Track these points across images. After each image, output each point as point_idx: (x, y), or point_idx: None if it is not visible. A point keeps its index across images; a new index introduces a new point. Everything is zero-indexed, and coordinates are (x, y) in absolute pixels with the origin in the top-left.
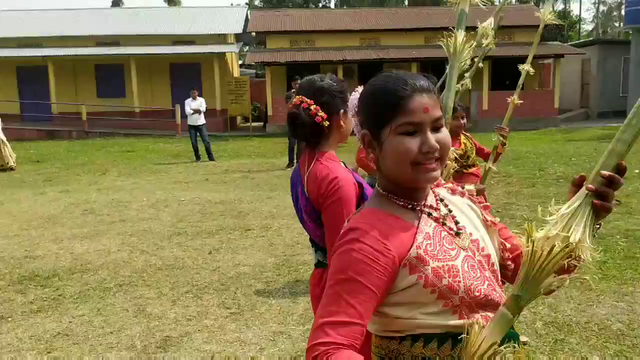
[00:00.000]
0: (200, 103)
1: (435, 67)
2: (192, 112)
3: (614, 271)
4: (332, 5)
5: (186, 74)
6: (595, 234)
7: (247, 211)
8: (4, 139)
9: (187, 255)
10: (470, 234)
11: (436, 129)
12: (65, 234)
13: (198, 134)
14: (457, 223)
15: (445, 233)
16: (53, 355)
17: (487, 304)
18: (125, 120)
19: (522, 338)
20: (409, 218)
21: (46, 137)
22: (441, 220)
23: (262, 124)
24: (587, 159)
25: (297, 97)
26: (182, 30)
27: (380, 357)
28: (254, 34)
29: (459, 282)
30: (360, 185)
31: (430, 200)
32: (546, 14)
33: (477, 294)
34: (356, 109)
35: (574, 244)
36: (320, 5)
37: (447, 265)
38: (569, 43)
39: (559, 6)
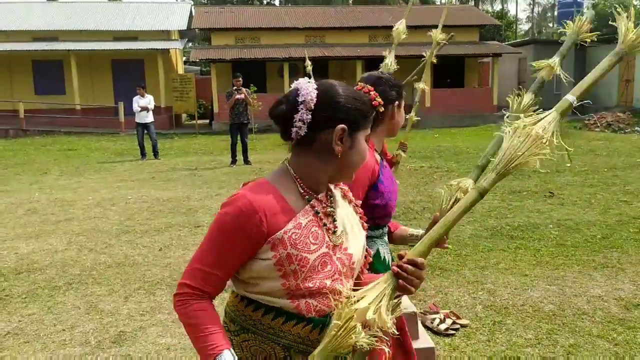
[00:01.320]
0: (148, 100)
1: (378, 65)
2: (139, 109)
3: (547, 258)
4: (277, 3)
5: (129, 71)
6: (393, 308)
7: (196, 208)
8: None
9: (137, 252)
10: (343, 233)
11: None
12: (9, 234)
13: (146, 131)
14: (334, 221)
15: (316, 229)
16: (1, 355)
17: (318, 294)
18: (65, 118)
19: (463, 321)
20: (295, 204)
21: None
22: (321, 216)
23: (208, 121)
24: None
25: (360, 84)
26: (124, 25)
27: (230, 317)
28: (198, 30)
29: (303, 272)
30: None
31: (322, 196)
32: (437, 35)
33: (309, 285)
34: (316, 102)
35: (374, 319)
36: (265, 2)
37: (300, 255)
38: (507, 42)
39: (497, 7)
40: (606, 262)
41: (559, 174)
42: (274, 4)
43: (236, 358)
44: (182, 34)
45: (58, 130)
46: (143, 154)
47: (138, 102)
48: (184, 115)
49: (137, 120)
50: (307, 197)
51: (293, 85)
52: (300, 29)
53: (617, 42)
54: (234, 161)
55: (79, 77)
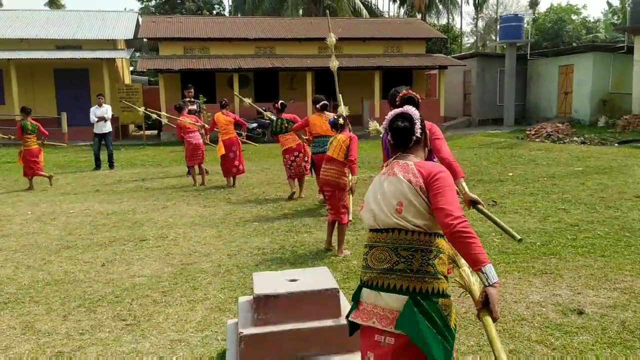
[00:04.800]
0: (105, 110)
1: (328, 76)
2: (96, 119)
3: None
4: (227, 14)
5: (72, 80)
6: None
7: (142, 221)
8: None
9: (78, 268)
10: None
11: None
12: None
13: (102, 141)
14: None
15: None
16: None
17: None
18: (4, 129)
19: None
20: None
21: None
22: None
23: (156, 132)
24: (469, 164)
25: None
26: (68, 34)
27: (441, 249)
28: (145, 40)
29: None
30: None
31: None
32: (333, 64)
33: None
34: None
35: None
36: (214, 13)
37: None
38: (452, 55)
39: (443, 20)
40: (545, 268)
41: (501, 183)
42: (224, 15)
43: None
44: (128, 43)
45: None
46: (98, 165)
47: (95, 112)
48: (131, 126)
49: (95, 130)
50: None
51: (404, 110)
52: (250, 39)
53: (556, 56)
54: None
55: (19, 87)
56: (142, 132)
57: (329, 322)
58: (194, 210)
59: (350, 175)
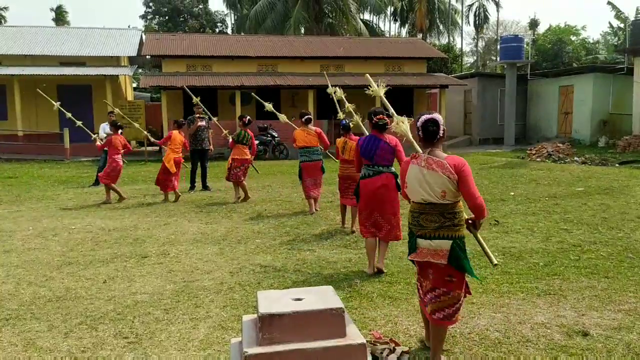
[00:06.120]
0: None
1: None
2: (105, 135)
3: (493, 285)
4: (229, 31)
5: (76, 97)
6: None
7: (144, 238)
8: None
9: (79, 285)
10: None
11: None
12: None
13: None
14: None
15: None
16: None
17: None
18: (6, 145)
19: (403, 347)
20: None
21: None
22: None
23: (157, 148)
24: None
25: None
26: (72, 51)
27: (459, 212)
28: (149, 56)
29: None
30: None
31: None
32: (337, 92)
33: None
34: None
35: None
36: (217, 31)
37: None
38: (453, 75)
39: (444, 40)
40: (548, 289)
41: (503, 202)
42: (227, 33)
43: None
44: (132, 60)
45: None
46: (98, 182)
47: (104, 128)
48: (133, 142)
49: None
50: None
51: (433, 116)
52: (252, 57)
53: (556, 76)
54: (192, 187)
55: (22, 103)
56: (143, 148)
57: (334, 342)
58: (195, 227)
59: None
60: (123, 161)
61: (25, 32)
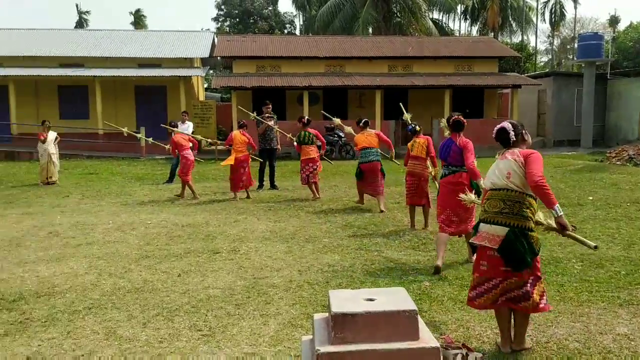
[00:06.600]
0: (187, 127)
1: (397, 95)
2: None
3: (571, 293)
4: (298, 33)
5: (151, 97)
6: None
7: (215, 234)
8: (54, 153)
9: (156, 278)
10: None
11: None
12: (30, 256)
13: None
14: None
15: None
16: None
17: None
18: (88, 143)
19: (476, 354)
20: None
21: (5, 158)
22: None
23: (226, 148)
24: None
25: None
26: (148, 53)
27: (526, 204)
28: (220, 58)
29: None
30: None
31: None
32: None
33: None
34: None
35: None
36: (286, 32)
37: None
38: (526, 74)
39: (517, 39)
40: (631, 299)
41: (581, 207)
42: (295, 34)
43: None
44: (204, 61)
45: (80, 154)
46: (172, 179)
47: (186, 128)
48: (204, 141)
49: None
50: None
51: (502, 125)
52: (320, 58)
53: (638, 76)
54: (260, 185)
55: (102, 103)
56: (214, 147)
57: (407, 345)
58: (264, 225)
59: (431, 167)
60: (196, 159)
61: (106, 35)
